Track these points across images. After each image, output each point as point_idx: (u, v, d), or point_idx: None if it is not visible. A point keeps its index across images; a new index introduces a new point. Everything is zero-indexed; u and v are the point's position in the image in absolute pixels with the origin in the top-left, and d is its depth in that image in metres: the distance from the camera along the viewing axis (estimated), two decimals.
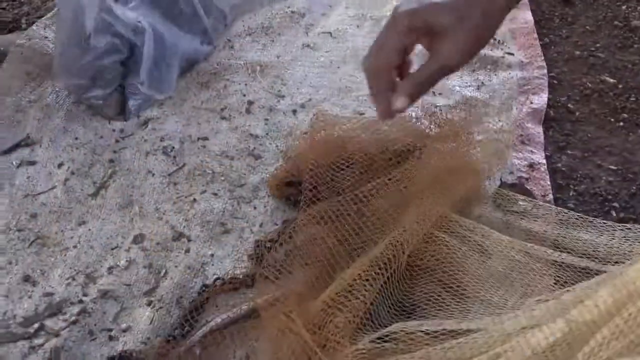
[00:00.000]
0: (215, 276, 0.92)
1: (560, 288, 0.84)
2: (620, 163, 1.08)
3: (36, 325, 0.87)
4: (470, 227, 0.91)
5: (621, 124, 1.17)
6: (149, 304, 0.89)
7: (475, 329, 0.74)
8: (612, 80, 1.27)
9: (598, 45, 1.37)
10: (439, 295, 0.84)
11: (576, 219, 0.95)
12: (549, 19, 1.46)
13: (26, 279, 0.93)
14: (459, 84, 1.26)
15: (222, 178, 1.08)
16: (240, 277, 0.91)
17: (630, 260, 0.86)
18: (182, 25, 1.28)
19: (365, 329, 0.79)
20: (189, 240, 0.98)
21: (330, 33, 1.44)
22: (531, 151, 1.10)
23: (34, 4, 1.57)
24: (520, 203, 0.99)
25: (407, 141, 0.99)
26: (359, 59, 1.31)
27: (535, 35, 1.38)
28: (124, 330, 0.86)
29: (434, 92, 1.21)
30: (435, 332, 0.75)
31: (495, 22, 0.77)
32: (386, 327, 0.77)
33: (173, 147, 1.14)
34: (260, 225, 1.00)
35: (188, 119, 1.20)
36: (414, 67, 0.77)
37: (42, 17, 1.43)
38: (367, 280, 0.79)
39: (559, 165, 1.08)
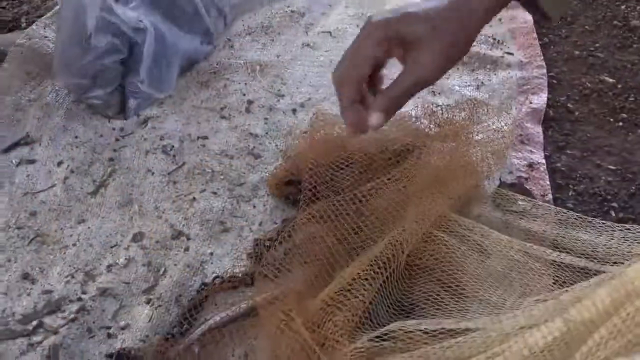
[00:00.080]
0: (214, 275, 0.93)
1: (559, 288, 0.84)
2: (619, 163, 1.08)
3: (35, 323, 0.87)
4: (470, 227, 0.91)
5: (620, 123, 1.17)
6: (148, 302, 0.89)
7: (473, 328, 0.74)
8: (611, 80, 1.27)
9: (597, 45, 1.37)
10: (438, 295, 0.84)
11: (575, 219, 0.95)
12: None
13: (25, 276, 0.93)
14: (458, 84, 1.26)
15: (222, 177, 1.08)
16: (240, 275, 0.91)
17: (629, 260, 0.86)
18: (183, 25, 1.28)
19: (364, 327, 0.79)
20: (188, 239, 0.98)
21: (330, 32, 1.44)
22: (530, 151, 1.10)
23: (33, 3, 1.57)
24: (520, 203, 0.99)
25: (407, 141, 0.99)
26: None
27: (535, 35, 1.38)
28: (123, 328, 0.86)
29: (433, 92, 1.21)
30: (434, 331, 0.75)
31: (471, 34, 0.76)
32: (385, 326, 0.77)
33: (173, 146, 1.14)
34: (260, 224, 1.00)
35: (188, 118, 1.20)
36: (388, 80, 0.76)
37: (42, 16, 1.43)
38: (367, 279, 0.79)
39: (558, 165, 1.09)
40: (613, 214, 1.00)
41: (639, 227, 0.92)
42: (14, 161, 1.11)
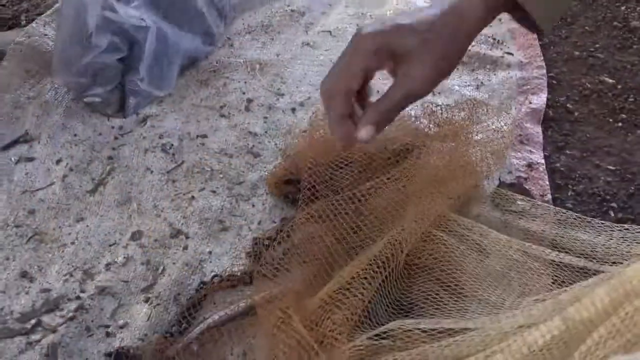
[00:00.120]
0: (213, 273, 0.92)
1: (558, 287, 0.84)
2: (618, 163, 1.08)
3: (33, 321, 0.87)
4: (469, 226, 0.91)
5: (620, 124, 1.17)
6: (147, 300, 0.89)
7: (472, 328, 0.74)
8: (611, 81, 1.27)
9: (597, 45, 1.37)
10: (437, 294, 0.84)
11: (574, 219, 0.95)
12: None
13: (23, 274, 0.93)
14: (458, 84, 1.26)
15: (221, 176, 1.08)
16: (238, 274, 0.91)
17: (628, 261, 0.86)
18: (184, 24, 1.28)
19: (363, 327, 0.79)
20: (187, 238, 0.98)
21: (329, 32, 1.44)
22: (530, 151, 1.10)
23: (33, 1, 1.57)
24: (519, 202, 0.99)
25: (406, 140, 0.99)
26: None
27: (535, 36, 1.38)
28: (121, 327, 0.86)
29: (433, 92, 1.20)
30: (433, 330, 0.75)
31: (461, 47, 0.75)
32: (384, 325, 0.77)
33: (172, 145, 1.14)
34: (259, 223, 1.00)
35: (187, 116, 1.20)
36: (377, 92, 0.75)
37: (42, 14, 1.43)
38: (365, 278, 0.79)
39: (558, 165, 1.09)
40: (612, 214, 1.00)
41: (637, 228, 0.92)
42: (12, 159, 1.11)
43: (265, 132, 1.17)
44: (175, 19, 1.26)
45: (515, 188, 1.02)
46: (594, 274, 0.85)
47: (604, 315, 0.62)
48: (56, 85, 1.25)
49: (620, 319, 0.60)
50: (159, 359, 0.80)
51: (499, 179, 1.04)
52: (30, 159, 1.11)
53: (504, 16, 0.78)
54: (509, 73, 1.29)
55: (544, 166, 1.07)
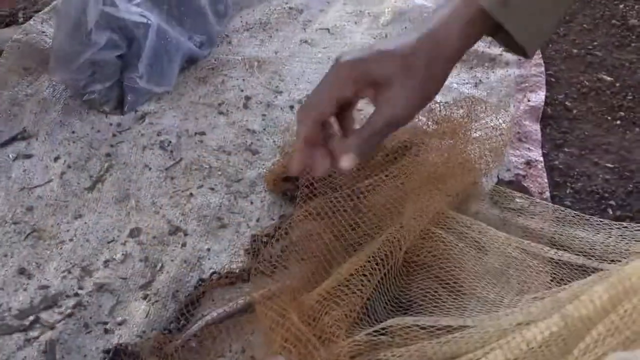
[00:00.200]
0: (211, 270, 0.92)
1: (556, 285, 0.84)
2: (617, 161, 1.08)
3: (31, 318, 0.87)
4: (467, 224, 0.91)
5: (618, 122, 1.17)
6: (145, 297, 0.89)
7: (471, 325, 0.74)
8: (609, 79, 1.27)
9: (595, 43, 1.37)
10: (436, 292, 0.84)
11: (573, 216, 0.95)
12: None
13: (22, 271, 0.93)
14: (456, 81, 1.26)
15: (219, 173, 1.08)
16: (237, 271, 0.91)
17: (627, 259, 0.86)
18: (184, 23, 1.27)
19: (361, 323, 0.79)
20: (186, 235, 0.98)
21: (328, 29, 1.44)
22: (528, 148, 1.10)
23: None
24: (517, 200, 0.99)
25: (404, 138, 0.99)
26: None
27: None
28: (120, 324, 0.86)
29: None
30: (431, 327, 0.75)
31: (442, 72, 0.75)
32: (382, 322, 0.77)
33: (170, 142, 1.14)
34: (257, 220, 1.00)
35: (185, 113, 1.20)
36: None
37: (39, 11, 1.42)
38: (364, 275, 0.79)
39: (556, 162, 1.09)
40: (610, 212, 1.00)
41: (636, 226, 0.92)
42: (10, 156, 1.11)
43: (264, 129, 1.17)
44: (176, 17, 1.26)
45: (513, 185, 1.02)
46: (593, 272, 0.85)
47: (603, 312, 0.62)
48: (54, 83, 1.25)
49: (619, 317, 0.60)
50: (158, 355, 0.80)
51: (498, 176, 1.05)
52: (28, 156, 1.11)
53: None
54: (507, 71, 1.29)
55: (543, 164, 1.07)
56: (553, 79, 1.27)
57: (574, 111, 1.20)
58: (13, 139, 1.14)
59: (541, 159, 1.08)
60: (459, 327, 0.74)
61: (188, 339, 0.82)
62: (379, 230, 0.87)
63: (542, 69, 1.28)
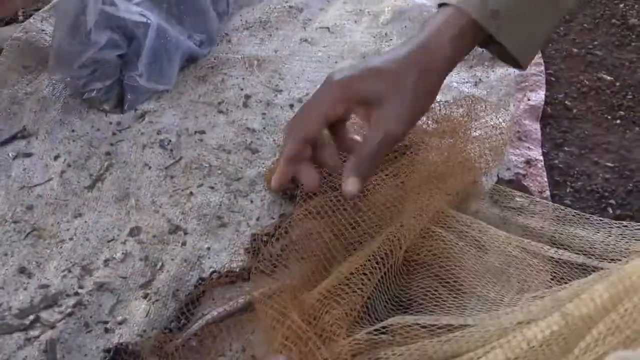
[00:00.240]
0: (211, 269, 0.92)
1: (557, 284, 0.84)
2: (617, 160, 1.09)
3: (31, 317, 0.87)
4: (468, 223, 0.91)
5: (618, 121, 1.17)
6: (145, 296, 0.89)
7: (472, 324, 0.74)
8: (609, 78, 1.27)
9: (595, 43, 1.37)
10: (436, 290, 0.84)
11: (573, 215, 0.95)
12: None
13: (22, 270, 0.92)
14: (456, 80, 1.25)
15: (219, 172, 1.08)
16: (237, 270, 0.91)
17: (627, 258, 0.86)
18: (185, 22, 1.27)
19: (362, 322, 0.79)
20: (186, 234, 0.98)
21: (328, 28, 1.44)
22: (528, 147, 1.10)
23: None
24: (517, 199, 0.99)
25: None
26: (357, 54, 1.32)
27: None
28: (120, 323, 0.86)
29: None
30: (432, 325, 0.75)
31: (433, 85, 0.75)
32: (383, 321, 0.77)
33: (170, 141, 1.14)
34: (257, 219, 1.00)
35: (185, 112, 1.20)
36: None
37: (39, 9, 1.42)
38: (365, 274, 0.79)
39: (556, 162, 1.09)
40: (611, 211, 1.00)
41: (636, 225, 0.92)
42: (10, 154, 1.11)
43: (264, 128, 1.17)
44: (176, 16, 1.25)
45: (513, 184, 1.02)
46: (593, 271, 0.85)
47: (603, 311, 0.62)
48: (54, 81, 1.24)
49: (619, 316, 0.60)
50: (158, 355, 0.80)
51: (498, 175, 1.04)
52: (28, 155, 1.11)
53: None
54: (507, 70, 1.28)
55: (543, 163, 1.07)
56: (553, 78, 1.27)
57: (574, 110, 1.20)
58: (13, 138, 1.14)
59: (541, 158, 1.08)
60: (459, 326, 0.74)
61: (188, 338, 0.82)
62: (379, 229, 0.87)
63: (542, 68, 1.28)
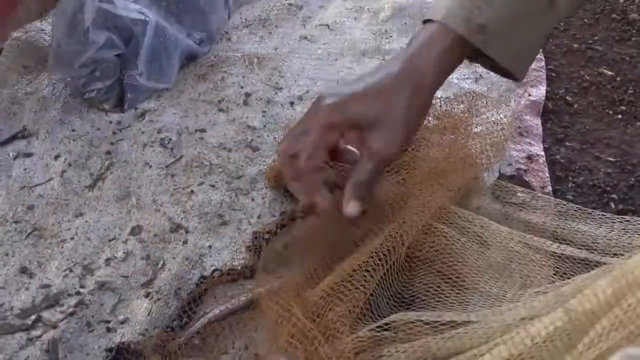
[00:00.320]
0: (213, 268, 0.92)
1: (559, 279, 0.84)
2: (618, 155, 1.08)
3: (33, 317, 0.86)
4: (469, 219, 0.91)
5: (619, 116, 1.17)
6: (147, 295, 0.89)
7: (475, 320, 0.74)
8: (610, 73, 1.27)
9: (596, 38, 1.37)
10: (438, 287, 0.84)
11: (575, 210, 0.95)
12: None
13: (23, 270, 0.92)
14: (457, 77, 1.25)
15: (220, 170, 1.07)
16: (239, 268, 0.91)
17: (630, 252, 0.86)
18: (184, 21, 1.27)
19: (365, 319, 0.79)
20: (187, 232, 0.98)
21: (327, 25, 1.43)
22: (529, 143, 1.10)
23: None
24: (519, 195, 0.99)
25: None
26: (357, 51, 1.32)
27: None
28: (122, 322, 0.86)
29: None
30: (435, 322, 0.75)
31: (424, 101, 0.75)
32: (385, 317, 0.77)
33: (170, 139, 1.13)
34: (258, 217, 1.00)
35: (185, 111, 1.20)
36: None
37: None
38: (367, 271, 0.79)
39: (558, 157, 1.08)
40: (613, 206, 1.00)
41: (638, 219, 0.92)
42: (10, 154, 1.11)
43: (264, 126, 1.16)
44: (175, 13, 1.25)
45: (515, 180, 1.02)
46: (596, 266, 0.85)
47: (607, 306, 0.62)
48: (54, 81, 1.24)
49: (622, 311, 0.60)
50: (160, 353, 0.79)
51: (499, 171, 1.04)
52: (29, 155, 1.11)
53: None
54: None
55: (544, 158, 1.07)
56: (554, 74, 1.27)
57: (575, 105, 1.19)
58: (13, 138, 1.14)
59: (542, 153, 1.08)
60: (462, 323, 0.74)
61: (191, 337, 0.81)
62: (381, 226, 0.86)
63: (543, 63, 1.28)
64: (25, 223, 0.99)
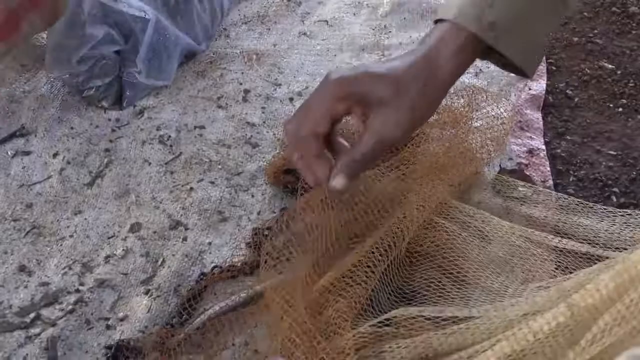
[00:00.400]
0: (213, 264, 0.92)
1: (561, 273, 0.84)
2: (619, 148, 1.08)
3: (32, 315, 0.86)
4: (470, 213, 0.91)
5: (620, 109, 1.16)
6: (147, 292, 0.89)
7: (477, 316, 0.74)
8: (610, 66, 1.26)
9: (596, 31, 1.36)
10: (439, 282, 0.84)
11: (576, 204, 0.95)
12: None
13: (22, 268, 0.92)
14: None
15: (219, 166, 1.07)
16: (239, 265, 0.91)
17: (633, 246, 0.86)
18: (183, 19, 1.26)
19: (365, 315, 0.79)
20: (187, 229, 0.97)
21: (326, 21, 1.43)
22: (530, 137, 1.09)
23: None
24: (520, 189, 0.98)
25: None
26: (356, 47, 1.32)
27: None
28: (121, 319, 0.86)
29: None
30: (437, 317, 0.74)
31: (435, 97, 0.74)
32: (387, 313, 0.76)
33: (169, 136, 1.13)
34: (258, 213, 0.99)
35: (184, 107, 1.19)
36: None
37: None
38: (368, 266, 0.79)
39: (558, 151, 1.08)
40: (614, 199, 1.00)
41: None
42: (9, 153, 1.10)
43: (263, 122, 1.16)
44: (175, 12, 1.25)
45: (516, 174, 1.02)
46: (597, 260, 0.85)
47: (609, 301, 0.62)
48: (52, 79, 1.24)
49: (625, 306, 0.60)
50: (160, 350, 0.79)
51: (500, 165, 1.04)
52: (27, 153, 1.10)
53: None
54: None
55: (545, 152, 1.06)
56: (554, 67, 1.27)
57: (576, 99, 1.19)
58: (11, 136, 1.13)
59: (543, 147, 1.07)
60: (464, 318, 0.74)
61: (191, 333, 0.81)
62: (382, 221, 0.86)
63: (543, 57, 1.27)
64: (24, 221, 0.99)
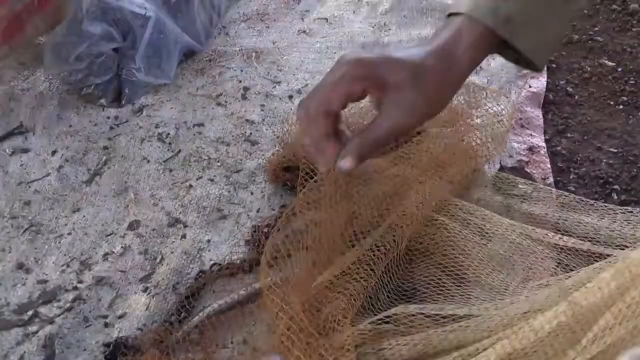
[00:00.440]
0: (212, 262, 0.91)
1: (562, 271, 0.84)
2: (620, 146, 1.07)
3: (30, 313, 0.86)
4: (471, 211, 0.90)
5: (621, 107, 1.16)
6: (145, 290, 0.88)
7: (477, 314, 0.73)
8: (611, 64, 1.26)
9: (596, 29, 1.36)
10: (439, 279, 0.84)
11: (577, 202, 0.94)
12: None
13: (20, 266, 0.92)
14: None
15: (218, 164, 1.07)
16: (237, 262, 0.90)
17: (633, 244, 0.86)
18: (183, 16, 1.26)
19: (365, 312, 0.78)
20: (185, 226, 0.97)
21: (326, 19, 1.43)
22: (530, 134, 1.09)
23: None
24: (521, 186, 0.98)
25: None
26: (356, 45, 1.31)
27: None
28: (120, 317, 0.85)
29: None
30: (437, 315, 0.74)
31: (452, 89, 0.73)
32: (387, 310, 0.76)
33: (168, 134, 1.13)
34: (257, 211, 0.99)
35: (183, 105, 1.19)
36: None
37: None
38: (368, 264, 0.79)
39: (559, 148, 1.08)
40: (615, 197, 0.99)
41: None
42: (7, 150, 1.10)
43: (263, 120, 1.16)
44: (174, 8, 1.24)
45: (516, 172, 1.01)
46: (598, 257, 0.84)
47: (610, 300, 0.61)
48: (50, 77, 1.24)
49: (626, 305, 0.59)
50: (158, 348, 0.79)
51: (500, 163, 1.04)
52: (25, 151, 1.10)
53: None
54: None
55: (545, 149, 1.06)
56: (554, 65, 1.26)
57: (576, 97, 1.19)
58: (10, 134, 1.13)
59: (544, 144, 1.07)
60: (464, 316, 0.73)
61: (189, 331, 0.81)
62: (382, 219, 0.86)
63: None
64: (22, 219, 0.98)
